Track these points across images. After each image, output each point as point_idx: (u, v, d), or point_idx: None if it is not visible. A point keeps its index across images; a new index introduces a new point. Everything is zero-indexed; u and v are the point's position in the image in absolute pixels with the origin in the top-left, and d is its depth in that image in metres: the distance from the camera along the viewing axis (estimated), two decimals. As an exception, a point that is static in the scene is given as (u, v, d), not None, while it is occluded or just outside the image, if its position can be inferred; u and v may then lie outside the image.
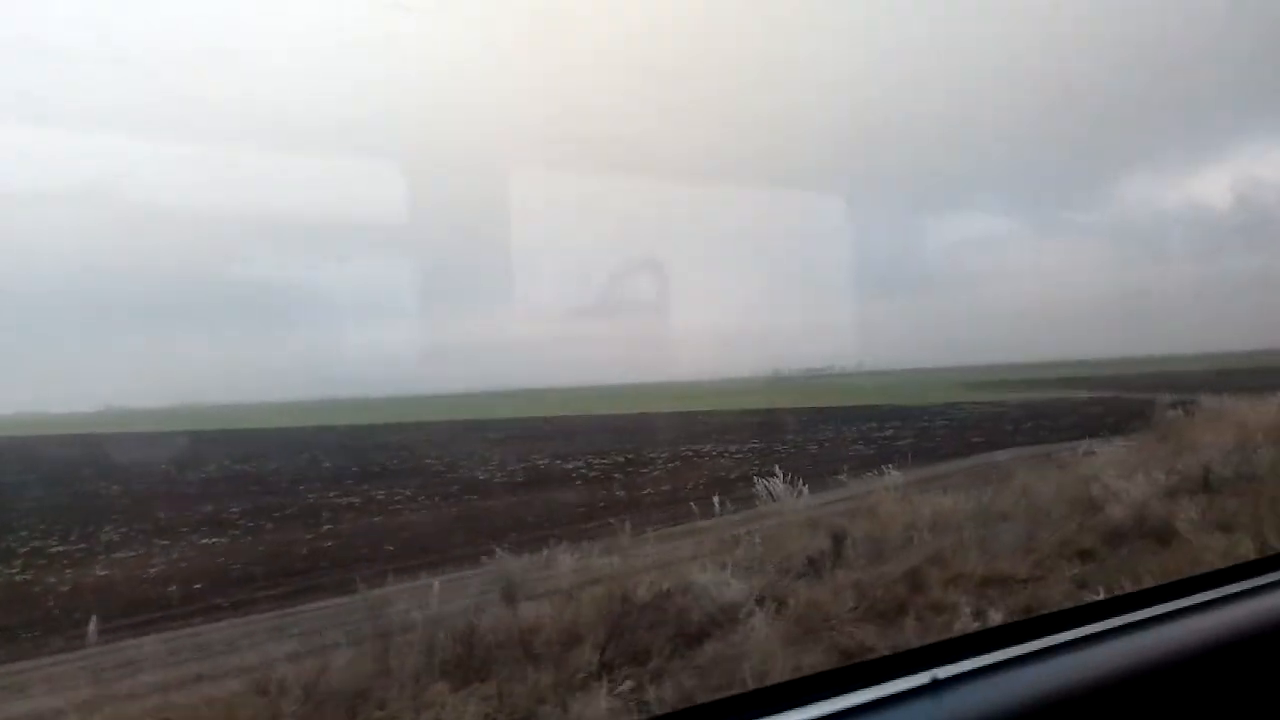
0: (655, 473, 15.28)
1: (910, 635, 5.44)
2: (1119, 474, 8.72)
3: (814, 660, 4.89)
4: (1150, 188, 28.76)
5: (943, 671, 1.48)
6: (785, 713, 1.36)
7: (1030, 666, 1.57)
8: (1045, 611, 2.11)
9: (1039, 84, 17.75)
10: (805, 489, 9.39)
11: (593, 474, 15.67)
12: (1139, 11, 15.76)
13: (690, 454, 18.41)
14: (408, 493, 14.24)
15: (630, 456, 17.94)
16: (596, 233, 21.15)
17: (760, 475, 9.75)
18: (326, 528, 11.47)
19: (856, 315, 28.13)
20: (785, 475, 9.57)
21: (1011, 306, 28.76)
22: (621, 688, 4.47)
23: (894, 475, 10.81)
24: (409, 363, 21.13)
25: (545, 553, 6.78)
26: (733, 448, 18.97)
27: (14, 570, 9.70)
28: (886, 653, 3.45)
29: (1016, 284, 30.51)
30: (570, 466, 16.88)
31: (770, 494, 9.20)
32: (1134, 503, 7.62)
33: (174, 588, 8.59)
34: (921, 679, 1.47)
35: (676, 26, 13.35)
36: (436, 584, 5.78)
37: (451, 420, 32.06)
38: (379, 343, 22.04)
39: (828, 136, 19.50)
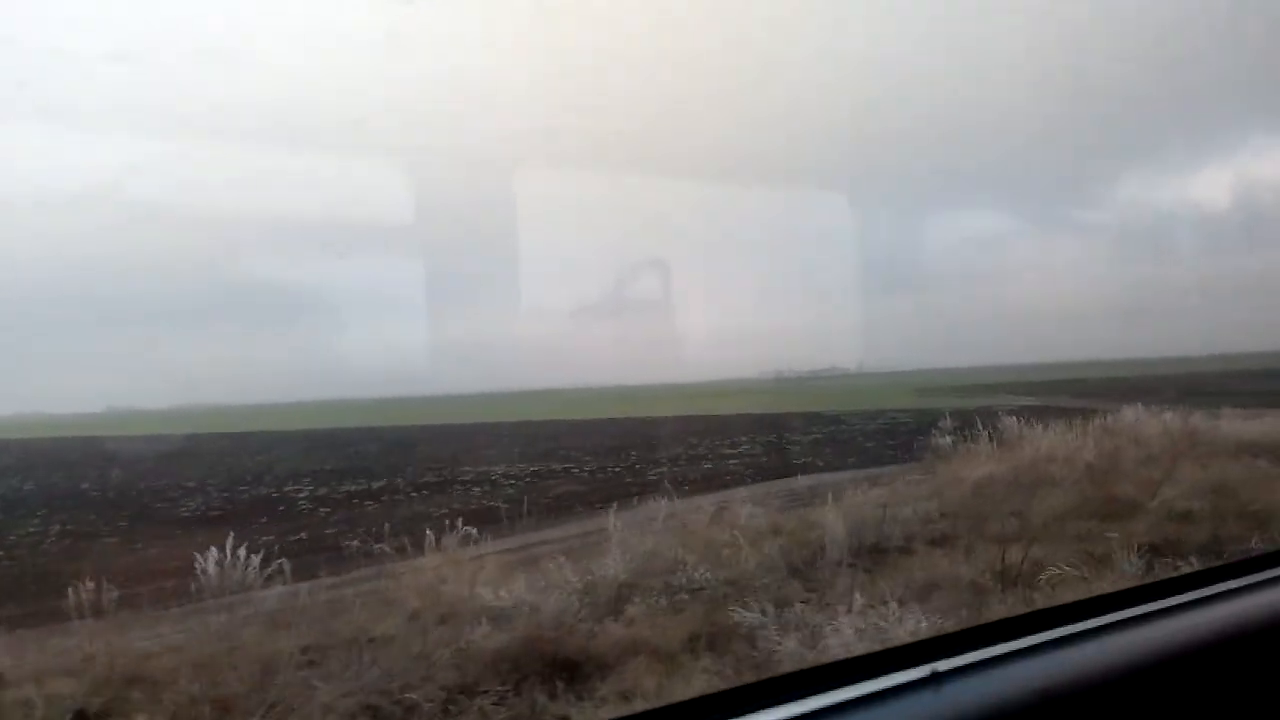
0: (369, 508, 12.90)
1: None
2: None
3: None
4: (1159, 187, 26.39)
5: (943, 664, 1.47)
6: (786, 704, 1.34)
7: (1031, 660, 1.56)
8: (1045, 606, 1.92)
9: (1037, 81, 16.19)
10: (284, 566, 6.91)
11: (298, 504, 13.38)
12: (1144, 10, 14.23)
13: (468, 478, 15.99)
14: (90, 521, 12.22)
15: (395, 480, 15.62)
16: (594, 232, 19.47)
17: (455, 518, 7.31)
18: None
19: (862, 316, 26.41)
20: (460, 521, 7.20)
21: (1023, 306, 26.41)
22: None
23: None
24: (413, 363, 20.06)
25: None
26: (516, 469, 16.57)
27: None
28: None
29: (1028, 284, 28.02)
30: (298, 490, 14.64)
31: (203, 579, 6.68)
32: (545, 619, 5.00)
33: None
34: (921, 672, 1.45)
35: (681, 24, 12.70)
36: None
37: (355, 427, 30.23)
38: (381, 343, 20.69)
39: (829, 135, 17.84)
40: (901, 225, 28.21)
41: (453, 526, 7.43)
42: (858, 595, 4.91)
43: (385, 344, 20.28)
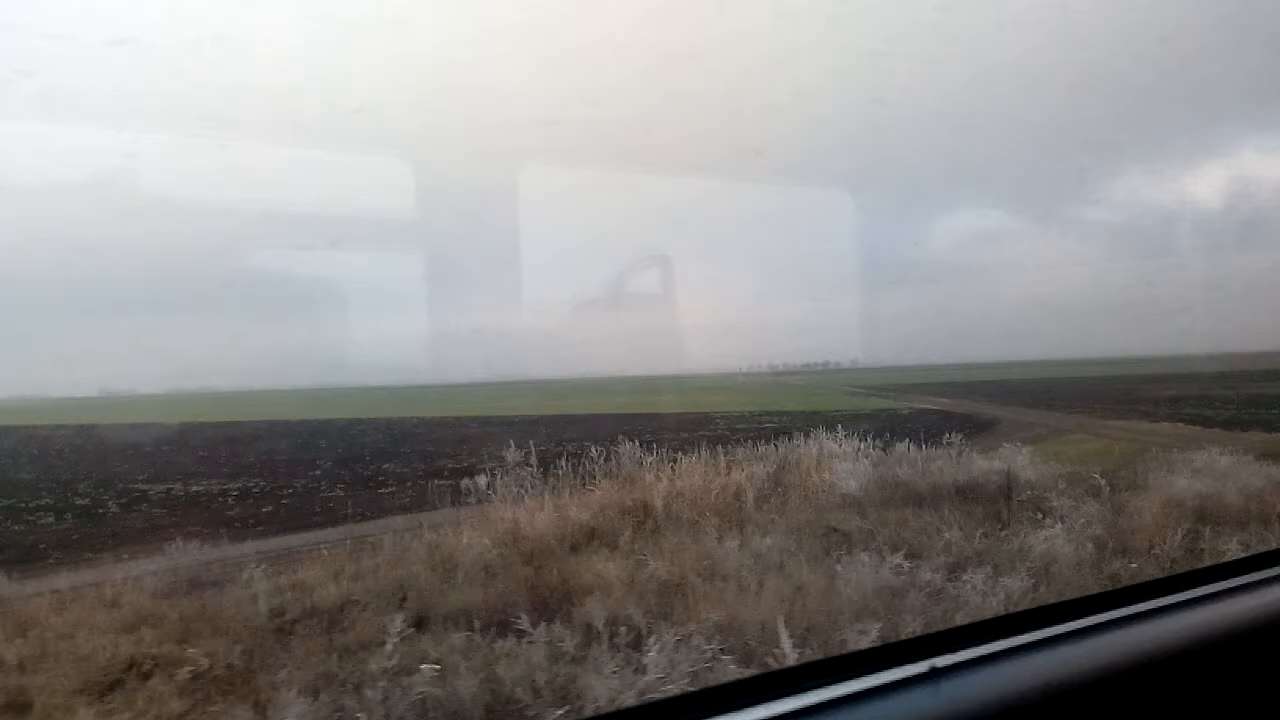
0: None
1: None
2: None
3: None
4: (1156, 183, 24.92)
5: (941, 661, 1.46)
6: (784, 699, 1.33)
7: (1029, 657, 1.55)
8: (1043, 604, 1.91)
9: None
10: None
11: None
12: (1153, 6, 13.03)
13: (168, 494, 13.22)
14: None
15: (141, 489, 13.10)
16: (589, 223, 18.99)
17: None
18: None
19: (858, 312, 26.09)
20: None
21: (1023, 301, 25.36)
22: None
23: None
24: (402, 353, 19.73)
25: None
26: (227, 486, 13.73)
27: None
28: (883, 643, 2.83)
29: (1030, 279, 26.57)
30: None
31: None
32: None
33: None
34: (920, 668, 1.44)
35: (685, 14, 12.43)
36: None
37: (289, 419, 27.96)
38: (375, 333, 20.17)
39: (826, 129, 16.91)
40: (901, 219, 27.34)
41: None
42: None
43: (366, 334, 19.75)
